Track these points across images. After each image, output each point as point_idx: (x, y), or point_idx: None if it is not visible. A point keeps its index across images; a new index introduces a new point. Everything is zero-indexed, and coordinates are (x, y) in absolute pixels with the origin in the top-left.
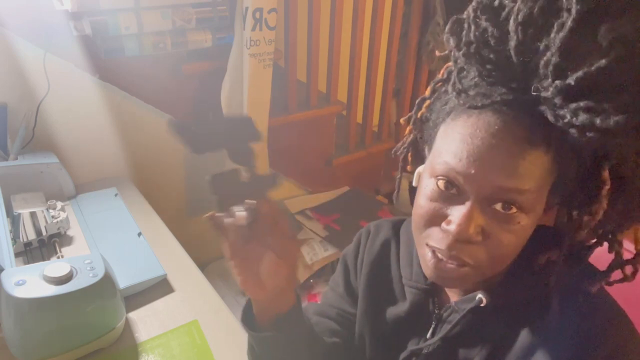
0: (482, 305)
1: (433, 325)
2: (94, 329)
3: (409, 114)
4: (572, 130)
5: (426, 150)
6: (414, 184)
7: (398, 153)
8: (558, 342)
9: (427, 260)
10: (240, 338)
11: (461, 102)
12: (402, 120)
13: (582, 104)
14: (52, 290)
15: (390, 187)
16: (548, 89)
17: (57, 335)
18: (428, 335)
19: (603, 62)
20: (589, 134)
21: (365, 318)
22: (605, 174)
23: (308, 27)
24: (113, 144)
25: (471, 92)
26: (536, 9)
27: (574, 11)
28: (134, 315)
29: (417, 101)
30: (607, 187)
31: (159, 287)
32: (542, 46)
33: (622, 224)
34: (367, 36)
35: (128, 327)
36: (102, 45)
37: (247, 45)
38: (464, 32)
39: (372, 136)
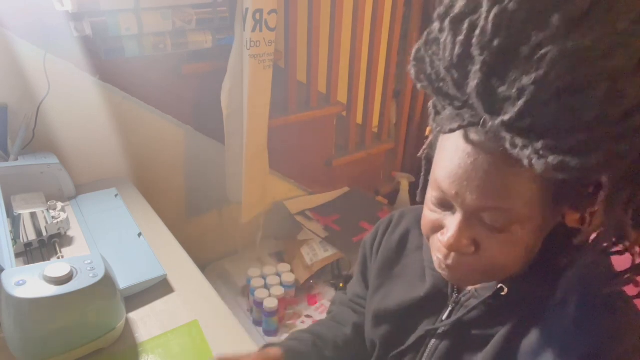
0: (502, 294)
1: (450, 309)
2: (94, 329)
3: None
4: (526, 161)
5: None
6: None
7: (421, 153)
8: (575, 338)
9: (435, 262)
10: (240, 338)
11: (435, 126)
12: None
13: (522, 140)
14: (52, 290)
15: (390, 187)
16: (488, 123)
17: (57, 335)
18: (444, 318)
19: (514, 111)
20: (538, 168)
21: (377, 297)
22: (604, 178)
23: (308, 28)
24: (113, 144)
25: (446, 113)
26: (453, 56)
27: (479, 61)
28: (134, 315)
29: (430, 102)
30: (606, 192)
31: (159, 288)
32: (467, 90)
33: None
34: (367, 37)
35: (128, 327)
36: (103, 46)
37: (247, 46)
38: (424, 64)
39: (372, 137)
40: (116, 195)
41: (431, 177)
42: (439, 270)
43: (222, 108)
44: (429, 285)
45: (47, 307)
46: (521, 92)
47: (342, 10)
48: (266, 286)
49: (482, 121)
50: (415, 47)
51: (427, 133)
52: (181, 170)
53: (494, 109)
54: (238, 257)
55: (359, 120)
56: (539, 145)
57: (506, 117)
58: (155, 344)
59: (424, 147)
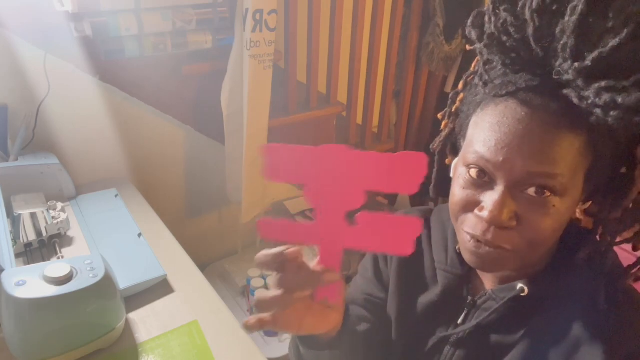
0: (522, 295)
1: (465, 312)
2: (94, 330)
3: (445, 110)
4: (597, 110)
5: (460, 141)
6: (451, 175)
7: (434, 147)
8: (610, 339)
9: (465, 244)
10: (240, 338)
11: (487, 91)
12: (439, 116)
13: (603, 83)
14: (52, 290)
15: None
16: (568, 71)
17: (57, 335)
18: (459, 322)
19: (616, 40)
20: (612, 113)
21: (395, 302)
22: (639, 152)
23: (308, 29)
24: (113, 145)
25: (497, 82)
26: None
27: None
28: (134, 315)
29: (450, 95)
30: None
31: (159, 288)
32: (558, 30)
33: None
34: (367, 37)
35: (128, 327)
36: (103, 46)
37: (247, 46)
38: (485, 25)
39: (372, 137)
40: (116, 196)
41: (464, 156)
42: (469, 254)
43: (222, 108)
44: (440, 288)
45: (47, 307)
46: (626, 22)
47: (342, 10)
48: (266, 286)
49: (555, 71)
50: (474, 12)
51: (442, 127)
52: (181, 171)
53: (587, 47)
54: (238, 257)
55: (359, 120)
56: (627, 83)
57: (605, 49)
58: (155, 344)
59: (439, 139)
